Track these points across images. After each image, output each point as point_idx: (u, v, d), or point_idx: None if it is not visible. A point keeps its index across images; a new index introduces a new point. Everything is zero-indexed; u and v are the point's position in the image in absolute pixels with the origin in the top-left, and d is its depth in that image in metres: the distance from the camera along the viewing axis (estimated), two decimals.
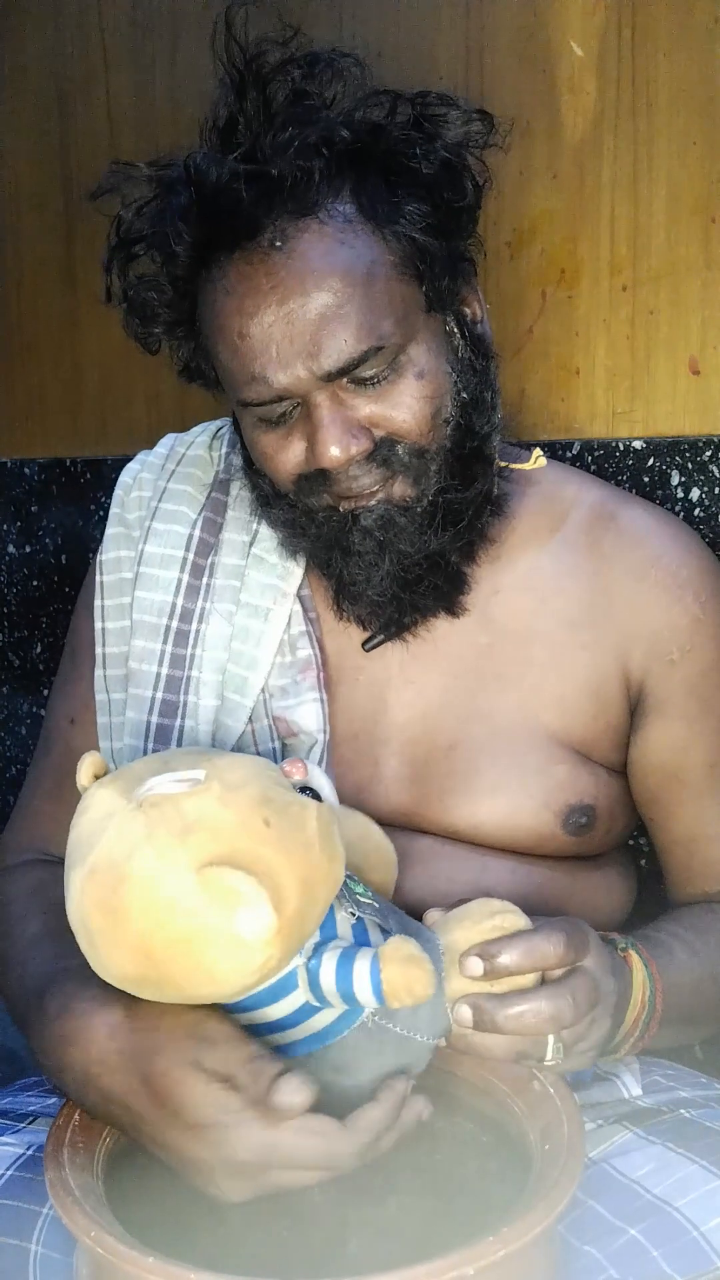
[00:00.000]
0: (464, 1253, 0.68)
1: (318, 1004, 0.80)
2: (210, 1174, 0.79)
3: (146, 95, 1.73)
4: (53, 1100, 1.04)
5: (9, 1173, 0.91)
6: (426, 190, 1.01)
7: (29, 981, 0.96)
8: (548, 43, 1.41)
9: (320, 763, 1.09)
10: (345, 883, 0.85)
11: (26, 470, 1.93)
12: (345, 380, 0.99)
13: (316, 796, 0.82)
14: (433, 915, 0.91)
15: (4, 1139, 0.95)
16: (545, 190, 1.44)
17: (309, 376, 0.98)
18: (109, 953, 0.77)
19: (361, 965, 0.78)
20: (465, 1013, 0.84)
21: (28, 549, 1.94)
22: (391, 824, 1.09)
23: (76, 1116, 0.84)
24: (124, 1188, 0.80)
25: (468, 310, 1.09)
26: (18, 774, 1.99)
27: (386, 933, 0.83)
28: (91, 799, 0.80)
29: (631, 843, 1.24)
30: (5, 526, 1.97)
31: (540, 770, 1.08)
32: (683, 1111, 0.98)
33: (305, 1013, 0.81)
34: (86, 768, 0.83)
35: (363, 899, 0.85)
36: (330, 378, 0.99)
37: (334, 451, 0.99)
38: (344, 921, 0.83)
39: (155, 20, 1.71)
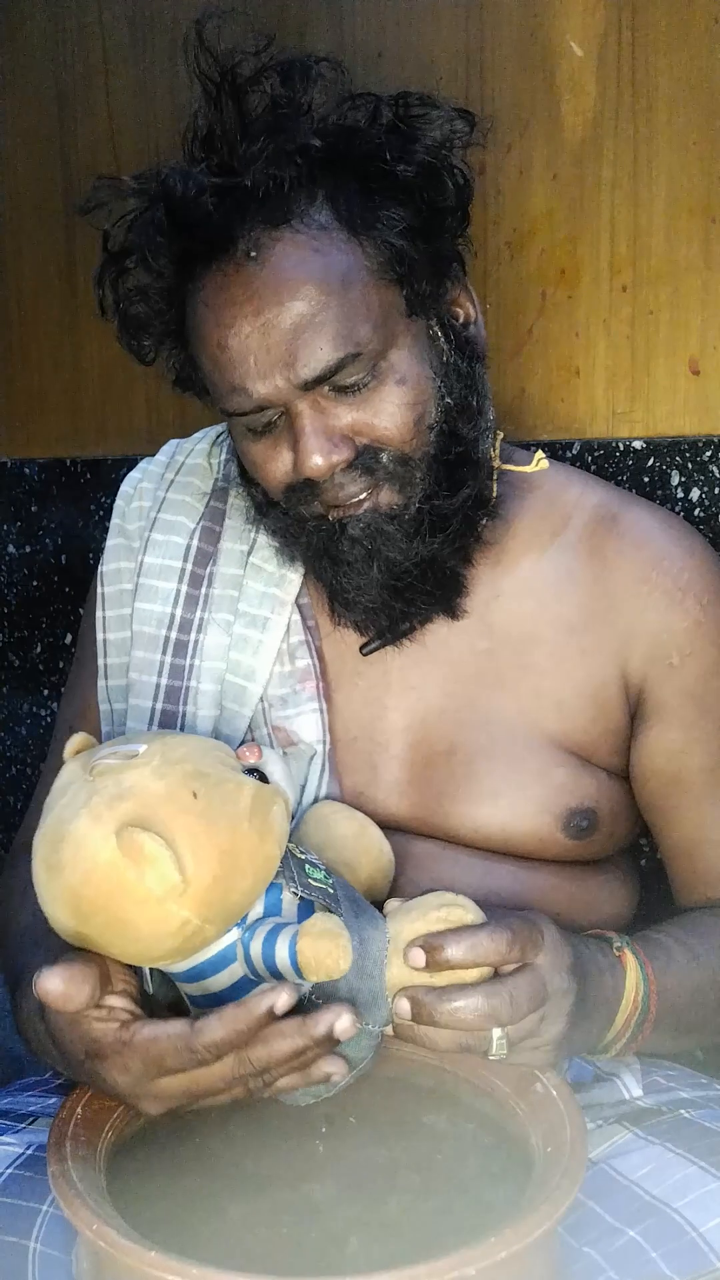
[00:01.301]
0: (466, 1252, 0.68)
1: (254, 977, 0.84)
2: (123, 1100, 0.85)
3: (146, 95, 1.73)
4: (53, 1100, 1.04)
5: (9, 1171, 0.91)
6: (405, 193, 1.01)
7: (16, 974, 1.00)
8: (548, 43, 1.41)
9: (321, 772, 1.10)
10: (304, 865, 0.88)
11: (26, 470, 1.93)
12: (325, 388, 1.00)
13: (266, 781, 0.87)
14: (392, 905, 0.91)
15: (4, 1139, 0.95)
16: (545, 190, 1.44)
17: (288, 386, 0.99)
18: (51, 907, 0.84)
19: (283, 939, 0.82)
20: (404, 1005, 0.85)
21: (28, 549, 1.94)
22: (393, 828, 1.10)
23: (79, 1112, 0.85)
24: (126, 1183, 0.80)
25: (459, 311, 1.09)
26: (18, 774, 1.99)
27: (334, 915, 0.85)
28: (63, 771, 0.88)
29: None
30: (5, 526, 1.97)
31: (540, 774, 1.08)
32: (682, 1112, 0.98)
33: (245, 985, 0.85)
34: (72, 745, 0.90)
35: (316, 883, 0.88)
36: (308, 386, 0.99)
37: (316, 460, 1.00)
38: (289, 901, 0.87)
39: (155, 20, 1.71)
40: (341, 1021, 0.79)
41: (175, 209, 0.99)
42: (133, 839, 0.79)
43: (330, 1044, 0.81)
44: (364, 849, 0.99)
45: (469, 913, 0.86)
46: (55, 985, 0.81)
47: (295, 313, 0.97)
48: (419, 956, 0.84)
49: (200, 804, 0.82)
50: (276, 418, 1.02)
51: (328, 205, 0.99)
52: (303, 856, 0.90)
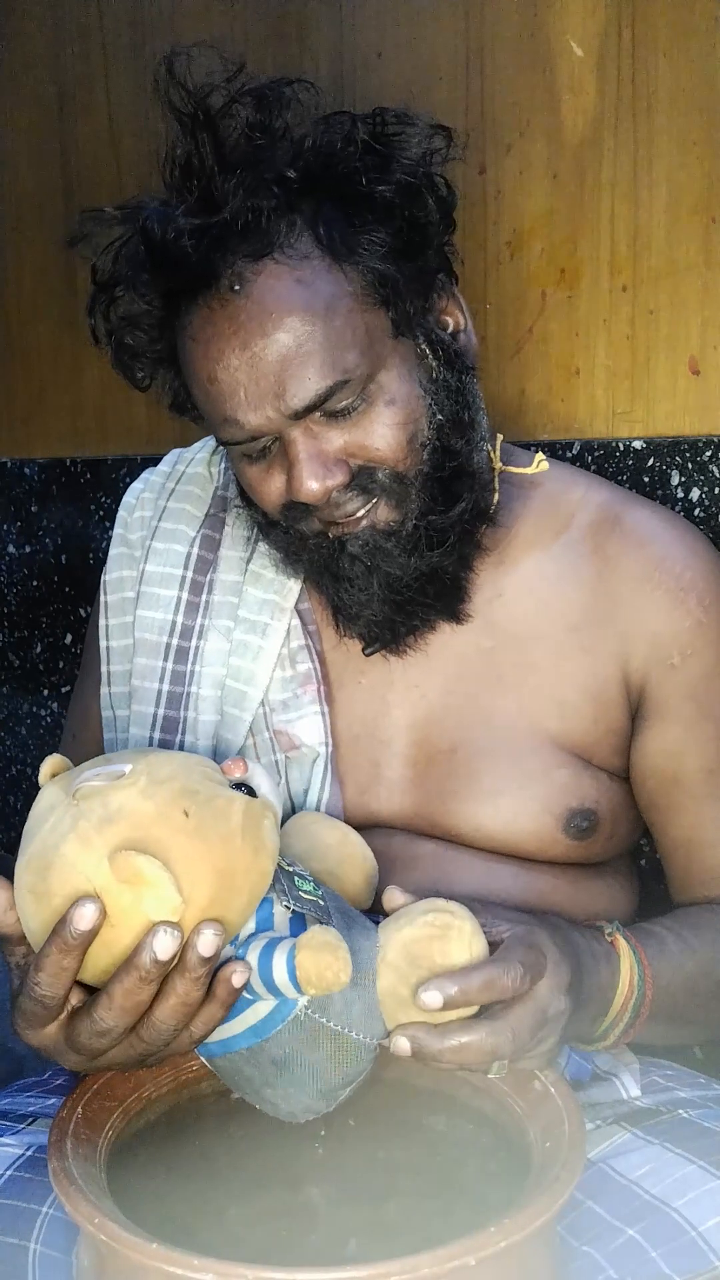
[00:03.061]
0: (466, 1242, 0.68)
1: (249, 995, 0.83)
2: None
3: (146, 95, 1.73)
4: (52, 1100, 1.05)
5: (9, 1172, 0.91)
6: (386, 213, 1.01)
7: None
8: (548, 43, 1.41)
9: (324, 775, 1.10)
10: (293, 878, 0.87)
11: (26, 470, 1.93)
12: (317, 415, 1.00)
13: (254, 795, 0.85)
14: (393, 895, 0.90)
15: (4, 1139, 0.96)
16: (545, 190, 1.44)
17: (278, 416, 1.00)
18: (39, 935, 0.80)
19: (280, 952, 0.81)
20: (403, 1044, 0.83)
21: (28, 549, 1.94)
22: (395, 827, 1.10)
23: (80, 1111, 0.85)
24: (126, 1184, 0.80)
25: (448, 320, 1.09)
26: (18, 774, 2.00)
27: (330, 927, 0.84)
28: (41, 795, 0.85)
29: None
30: (5, 526, 1.97)
31: (541, 774, 1.08)
32: (681, 1112, 0.98)
33: (240, 1004, 0.83)
34: (46, 768, 0.87)
35: (306, 896, 0.86)
36: (299, 415, 1.00)
37: (311, 486, 1.00)
38: (281, 915, 0.85)
39: (155, 21, 1.71)
40: (159, 940, 0.76)
41: (155, 251, 1.00)
42: (128, 862, 0.76)
43: (197, 963, 0.78)
44: (346, 856, 0.98)
45: (456, 916, 0.85)
46: None
47: (281, 344, 0.98)
48: (435, 999, 0.81)
49: (192, 823, 0.80)
50: (270, 444, 1.03)
51: (308, 232, 1.00)
52: (291, 869, 0.89)
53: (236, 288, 0.98)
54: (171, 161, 1.01)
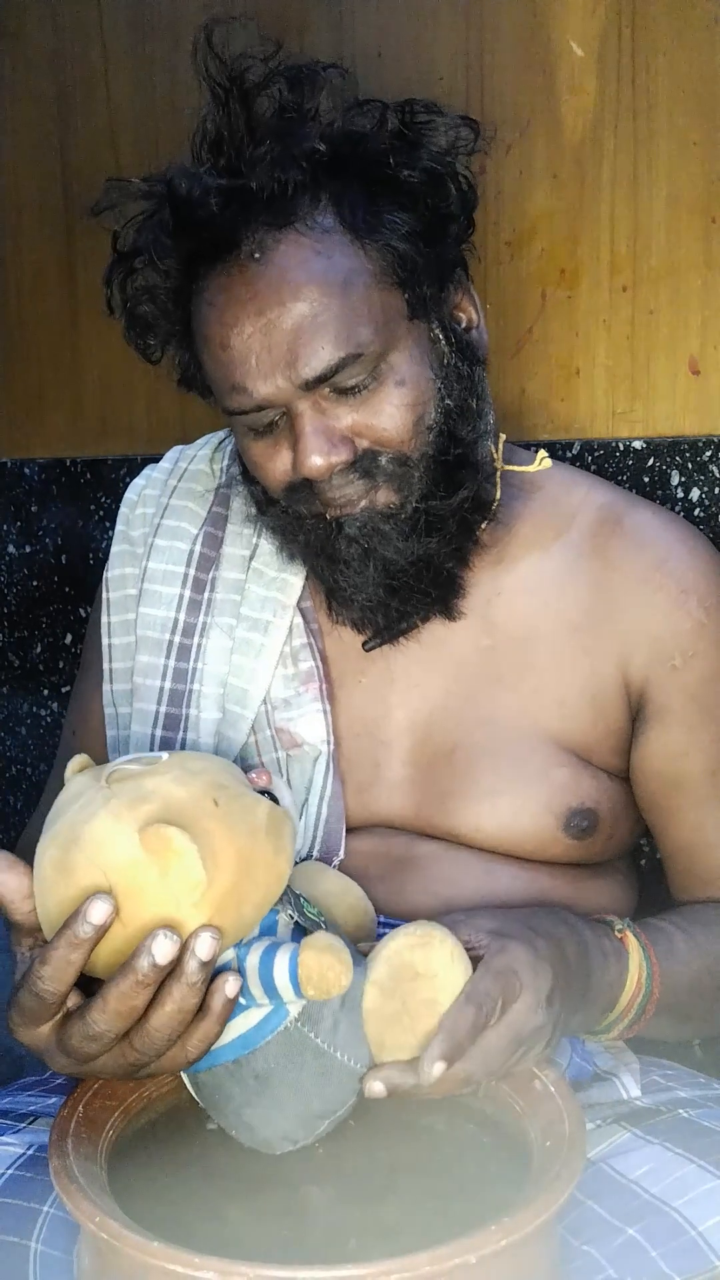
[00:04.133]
0: (466, 1242, 0.68)
1: (242, 1001, 0.83)
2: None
3: (146, 97, 1.73)
4: (53, 1100, 1.05)
5: (9, 1171, 0.92)
6: (409, 199, 1.02)
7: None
8: (548, 43, 1.41)
9: (326, 773, 1.10)
10: (299, 899, 0.89)
11: (26, 470, 1.93)
12: (326, 389, 1.00)
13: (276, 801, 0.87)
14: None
15: (4, 1139, 0.96)
16: (545, 190, 1.44)
17: (289, 386, 1.00)
18: (57, 911, 0.80)
19: (283, 953, 0.82)
20: (377, 1086, 0.83)
21: (28, 549, 1.94)
22: (395, 827, 1.10)
23: (80, 1110, 0.85)
24: (126, 1183, 0.80)
25: (462, 315, 1.09)
26: (18, 774, 1.99)
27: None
28: (69, 785, 0.86)
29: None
30: (5, 526, 1.97)
31: (541, 773, 1.09)
32: (681, 1111, 0.98)
33: (235, 1009, 0.83)
34: (74, 765, 0.88)
35: (310, 915, 0.88)
36: (309, 386, 1.00)
37: (315, 461, 1.00)
38: (285, 924, 0.87)
39: (155, 21, 1.71)
40: (158, 944, 0.76)
41: (181, 209, 1.00)
42: (159, 834, 0.77)
43: (192, 974, 0.77)
44: (349, 905, 0.99)
45: (438, 928, 0.86)
46: None
47: (297, 313, 0.98)
48: (440, 1066, 0.81)
49: (221, 811, 0.81)
50: (277, 418, 1.03)
51: (332, 209, 1.00)
52: (297, 893, 0.90)
53: (257, 255, 0.99)
54: (202, 134, 1.01)
